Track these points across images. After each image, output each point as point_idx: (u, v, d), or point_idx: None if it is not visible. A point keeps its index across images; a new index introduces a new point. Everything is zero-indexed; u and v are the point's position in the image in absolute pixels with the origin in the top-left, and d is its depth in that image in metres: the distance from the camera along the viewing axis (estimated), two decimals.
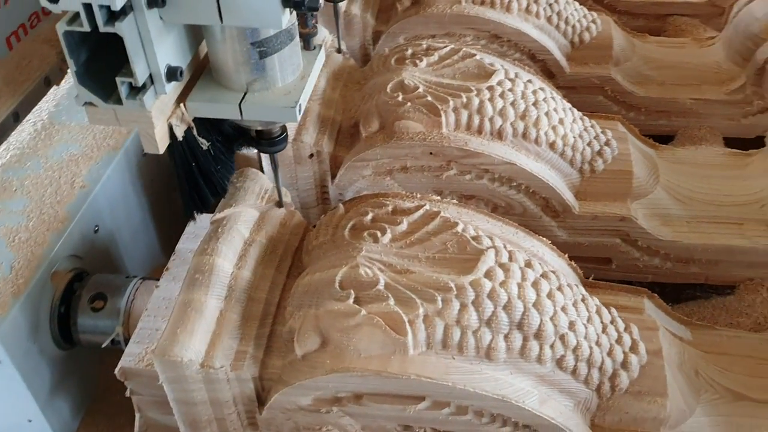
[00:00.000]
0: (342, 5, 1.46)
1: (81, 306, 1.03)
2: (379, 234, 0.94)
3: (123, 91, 0.74)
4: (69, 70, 0.77)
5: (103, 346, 1.01)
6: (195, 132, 0.85)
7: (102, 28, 0.69)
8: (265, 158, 1.13)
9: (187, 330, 0.84)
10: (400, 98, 1.17)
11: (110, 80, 0.74)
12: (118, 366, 0.90)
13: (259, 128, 0.90)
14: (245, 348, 0.87)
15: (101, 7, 0.68)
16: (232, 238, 0.95)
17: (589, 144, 1.23)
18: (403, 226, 0.95)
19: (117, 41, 0.71)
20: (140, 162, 1.27)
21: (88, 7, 0.68)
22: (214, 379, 0.85)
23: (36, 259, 1.01)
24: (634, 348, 0.92)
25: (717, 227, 1.23)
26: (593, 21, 1.57)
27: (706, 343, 1.03)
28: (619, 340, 0.92)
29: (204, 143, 0.87)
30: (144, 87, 0.75)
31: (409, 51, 1.28)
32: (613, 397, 0.90)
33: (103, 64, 0.75)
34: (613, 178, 1.22)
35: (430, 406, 0.85)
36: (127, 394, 0.93)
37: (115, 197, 1.19)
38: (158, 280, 1.03)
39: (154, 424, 0.98)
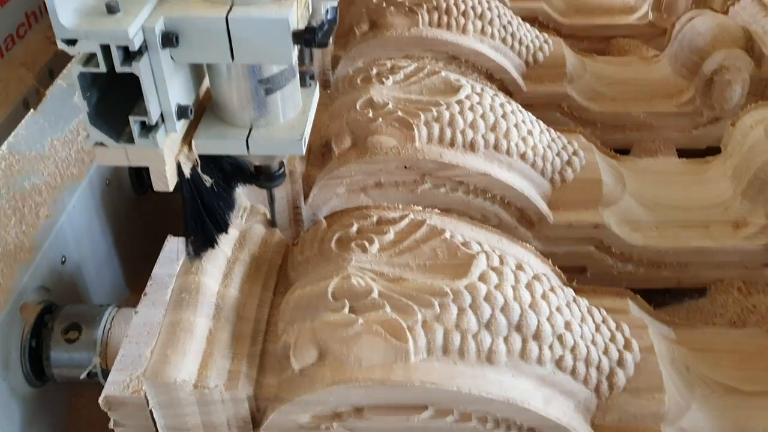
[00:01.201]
0: None
1: (54, 338, 0.98)
2: (366, 244, 0.92)
3: (136, 129, 0.74)
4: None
5: (81, 377, 0.96)
6: (199, 169, 0.85)
7: (119, 69, 0.69)
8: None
9: (177, 350, 0.81)
10: (370, 114, 1.17)
11: (120, 120, 0.75)
12: (102, 395, 0.85)
13: (259, 164, 0.90)
14: (238, 367, 0.84)
15: (119, 47, 0.68)
16: (215, 257, 0.92)
17: (557, 154, 1.25)
18: (390, 236, 0.94)
19: (127, 82, 0.71)
20: (104, 191, 1.23)
21: (105, 48, 0.68)
22: (209, 400, 0.81)
23: (4, 292, 0.96)
24: (627, 346, 0.92)
25: (685, 231, 1.26)
26: (545, 41, 1.61)
27: (691, 341, 1.04)
28: (612, 339, 0.92)
29: (207, 180, 0.87)
30: (156, 125, 0.75)
31: (374, 71, 1.29)
32: (612, 396, 0.90)
33: (113, 104, 0.75)
34: (584, 187, 1.24)
35: (434, 414, 0.83)
36: (111, 426, 0.88)
37: (80, 227, 1.15)
38: (133, 308, 0.98)
39: None
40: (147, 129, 0.74)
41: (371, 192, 1.18)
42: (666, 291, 1.31)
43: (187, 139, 0.81)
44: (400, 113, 1.16)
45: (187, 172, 0.81)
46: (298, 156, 1.20)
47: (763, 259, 1.23)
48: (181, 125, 0.78)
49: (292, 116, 0.84)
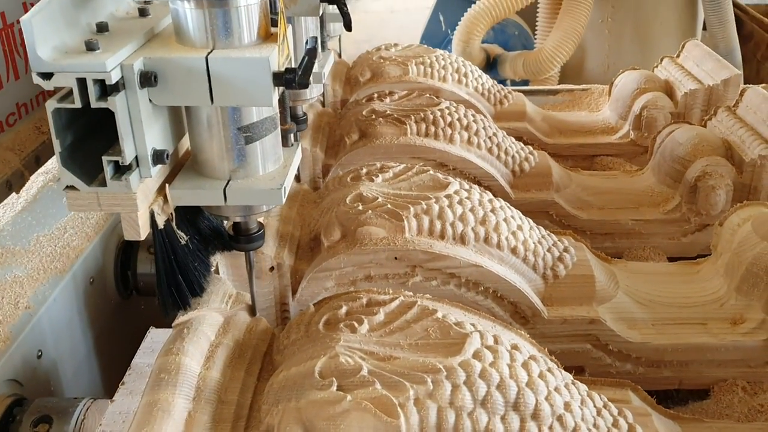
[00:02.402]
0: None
1: None
2: (356, 324, 0.89)
3: (108, 171, 0.74)
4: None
5: None
6: (174, 224, 0.84)
7: (94, 104, 0.70)
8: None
9: (153, 430, 0.75)
10: (360, 207, 1.17)
11: (93, 165, 0.74)
12: None
13: (237, 220, 0.89)
14: None
15: (95, 81, 0.68)
16: (198, 339, 0.89)
17: (548, 250, 1.24)
18: (380, 317, 0.91)
19: (103, 125, 0.71)
20: (87, 289, 1.20)
21: (81, 83, 0.68)
22: None
23: None
24: None
25: (682, 327, 1.23)
26: (530, 153, 1.65)
27: None
28: (615, 424, 0.88)
29: (183, 237, 0.85)
30: (130, 167, 0.74)
31: (364, 170, 1.31)
32: None
33: (88, 150, 0.75)
34: (577, 283, 1.22)
35: None
36: None
37: (60, 323, 1.11)
38: (109, 399, 0.93)
39: None
40: (120, 171, 0.72)
41: (361, 285, 1.16)
42: (668, 396, 1.26)
43: (163, 191, 0.80)
44: (389, 206, 1.17)
45: (160, 223, 0.79)
46: (286, 250, 1.19)
47: (765, 357, 1.20)
48: (157, 172, 0.77)
49: (272, 169, 0.84)
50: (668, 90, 1.99)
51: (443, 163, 1.53)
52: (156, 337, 1.02)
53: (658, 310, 1.26)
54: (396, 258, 1.14)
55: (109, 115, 0.72)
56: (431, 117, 1.56)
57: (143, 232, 0.78)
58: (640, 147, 1.97)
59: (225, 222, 0.97)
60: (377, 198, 1.19)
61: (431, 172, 1.28)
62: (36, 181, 1.33)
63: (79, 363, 1.17)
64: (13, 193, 1.10)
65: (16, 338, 0.99)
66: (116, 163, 0.73)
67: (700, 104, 1.90)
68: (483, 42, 3.35)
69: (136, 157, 0.74)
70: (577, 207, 1.62)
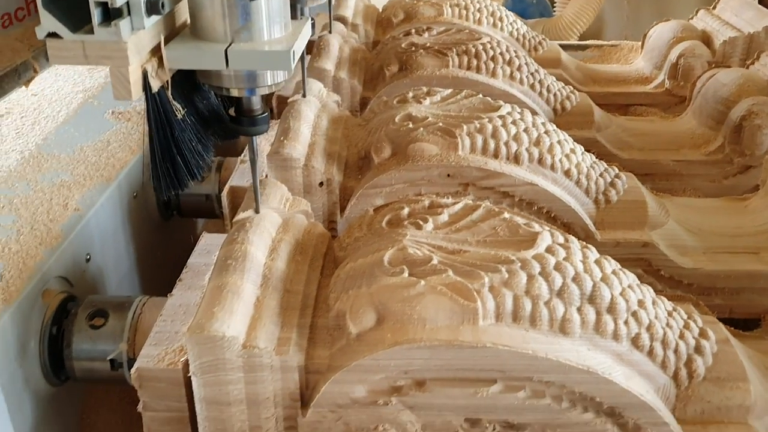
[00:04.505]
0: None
1: (77, 324, 0.90)
2: (420, 222, 0.87)
3: (96, 15, 0.66)
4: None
5: (108, 358, 0.87)
6: (170, 94, 0.77)
7: None
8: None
9: (225, 309, 0.73)
10: (410, 126, 1.15)
11: (80, 13, 0.66)
12: (134, 368, 0.77)
13: (238, 94, 0.81)
14: (288, 335, 0.77)
15: None
16: (261, 232, 0.86)
17: (601, 175, 1.21)
18: (444, 217, 0.89)
19: None
20: (131, 203, 1.18)
21: None
22: (257, 365, 0.73)
23: (27, 270, 0.89)
24: (703, 334, 0.85)
25: (734, 256, 1.21)
26: (572, 92, 1.62)
27: (762, 349, 0.97)
28: (686, 326, 0.86)
29: (179, 110, 0.79)
30: (120, 12, 0.67)
31: (411, 94, 1.28)
32: (692, 386, 0.82)
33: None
34: (629, 208, 1.20)
35: (504, 389, 0.75)
36: (140, 408, 0.79)
37: (106, 230, 1.09)
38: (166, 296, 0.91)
39: None
40: (110, 16, 0.66)
41: None
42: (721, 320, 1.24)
43: (158, 52, 0.73)
44: (441, 124, 1.14)
45: (155, 86, 0.73)
46: (335, 167, 1.17)
47: None
48: (151, 25, 0.70)
49: (279, 35, 0.77)
50: (705, 39, 1.96)
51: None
52: (210, 240, 1.01)
53: (710, 239, 1.24)
54: (449, 175, 1.12)
55: None
56: (473, 50, 1.53)
57: (135, 91, 0.70)
58: (675, 97, 1.94)
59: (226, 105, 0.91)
60: (427, 117, 1.17)
61: (480, 95, 1.25)
62: (75, 97, 1.31)
63: (122, 277, 1.15)
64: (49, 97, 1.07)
65: (66, 237, 0.97)
66: (105, 6, 0.65)
67: (739, 53, 1.87)
68: None
69: (128, 2, 0.67)
70: (617, 147, 1.59)
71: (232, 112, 0.83)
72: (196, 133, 0.86)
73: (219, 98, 0.94)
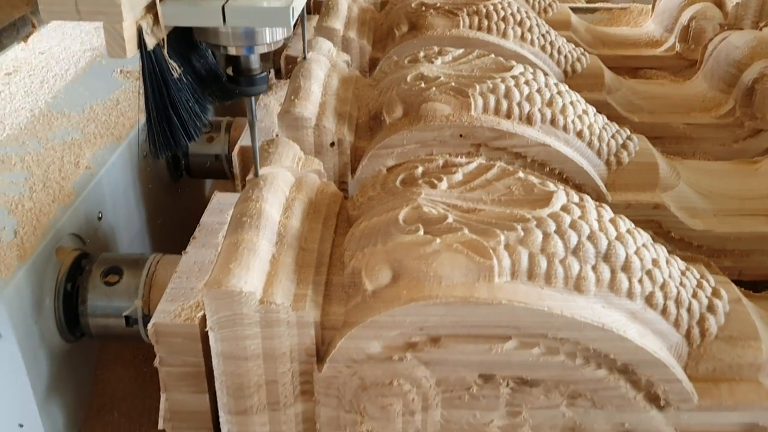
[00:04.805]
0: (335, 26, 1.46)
1: (92, 281, 0.90)
2: (435, 181, 0.87)
3: None
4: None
5: (124, 314, 0.87)
6: (166, 52, 0.76)
7: None
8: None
9: (242, 265, 0.73)
10: (422, 85, 1.14)
11: None
12: (150, 323, 0.77)
13: (236, 53, 0.78)
14: (304, 291, 0.77)
15: None
16: (275, 190, 0.86)
17: (612, 137, 1.21)
18: (459, 176, 0.89)
19: None
20: (141, 163, 1.17)
21: None
22: (273, 320, 0.73)
23: (41, 227, 0.89)
24: (716, 293, 0.86)
25: (744, 219, 1.21)
26: (582, 54, 1.61)
27: None
28: (700, 285, 0.86)
29: (175, 69, 0.78)
30: None
31: (422, 54, 1.27)
32: (704, 344, 0.82)
33: None
34: (640, 170, 1.19)
35: (518, 345, 0.75)
36: (156, 363, 0.80)
37: (117, 189, 1.09)
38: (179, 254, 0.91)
39: (181, 409, 0.83)
40: None
41: None
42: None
43: (153, 9, 0.71)
44: (453, 83, 1.13)
45: (150, 44, 0.71)
46: (346, 127, 1.16)
47: None
48: None
49: None
50: (717, 1, 1.94)
51: None
52: (222, 199, 1.00)
53: (720, 201, 1.23)
54: (461, 135, 1.11)
55: None
56: (484, 11, 1.52)
57: (129, 48, 0.68)
58: (686, 60, 1.92)
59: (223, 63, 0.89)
60: (439, 77, 1.16)
61: (492, 55, 1.24)
62: (83, 56, 1.30)
63: (134, 236, 1.16)
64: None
65: (79, 194, 0.97)
66: None
67: (751, 15, 1.85)
68: None
69: None
70: (628, 110, 1.58)
71: (229, 71, 0.81)
72: (193, 92, 0.84)
73: (216, 57, 0.92)
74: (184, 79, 0.81)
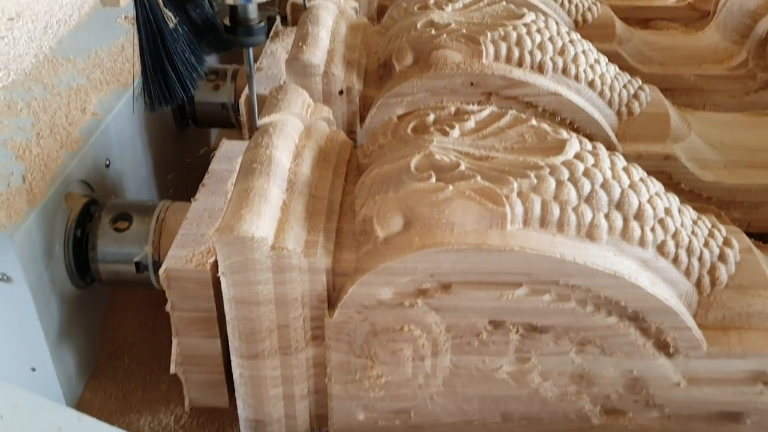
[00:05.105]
0: None
1: (101, 227, 0.90)
2: (447, 129, 0.86)
3: None
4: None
5: (134, 260, 0.88)
6: (161, 1, 0.74)
7: None
8: None
9: (253, 211, 0.73)
10: (433, 32, 1.12)
11: None
12: (162, 269, 0.78)
13: (233, 2, 0.76)
14: (315, 238, 0.77)
15: None
16: (285, 137, 0.85)
17: (624, 87, 1.19)
18: (471, 124, 0.88)
19: None
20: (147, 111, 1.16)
21: None
22: (285, 266, 0.73)
23: (50, 173, 0.88)
24: (727, 243, 0.86)
25: (755, 170, 1.20)
26: (593, 3, 1.58)
27: None
28: (711, 235, 0.86)
29: (171, 18, 0.76)
30: None
31: (431, 0, 1.24)
32: (714, 293, 0.82)
33: None
34: (651, 120, 1.18)
35: (529, 292, 0.75)
36: (168, 308, 0.80)
37: (124, 136, 1.08)
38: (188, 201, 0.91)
39: (192, 353, 0.84)
40: None
41: None
42: None
43: None
44: (464, 31, 1.11)
45: None
46: (355, 75, 1.15)
47: None
48: None
49: None
50: None
51: None
52: (230, 147, 1.00)
53: (731, 152, 1.23)
54: (472, 84, 1.10)
55: None
56: None
57: None
58: (698, 11, 1.89)
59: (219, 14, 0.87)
60: (450, 24, 1.14)
61: (504, 3, 1.22)
62: (86, 1, 1.27)
63: (141, 184, 1.15)
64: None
65: (87, 140, 0.96)
66: None
67: None
68: None
69: None
70: (638, 61, 1.56)
71: (226, 21, 0.78)
72: (189, 43, 0.83)
73: (213, 6, 0.90)
74: (180, 30, 0.80)
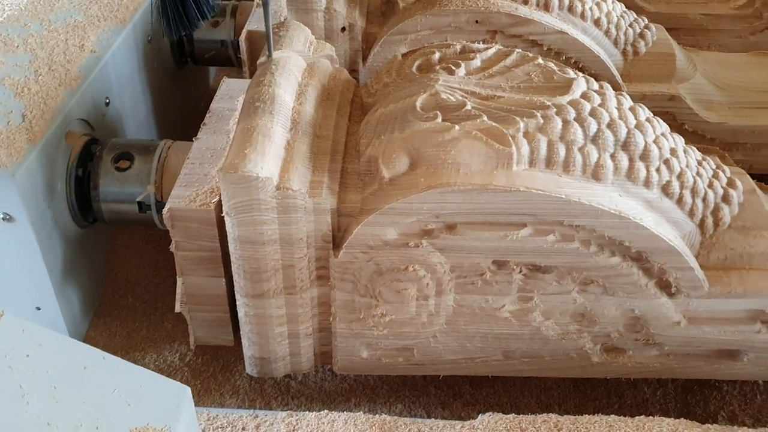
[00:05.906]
0: None
1: (103, 166, 0.89)
2: (452, 67, 0.85)
3: None
4: None
5: (137, 200, 0.87)
6: None
7: None
8: None
9: (257, 150, 0.72)
10: None
11: None
12: (165, 208, 0.77)
13: None
14: (320, 178, 0.76)
15: None
16: (288, 75, 0.84)
17: (630, 25, 1.18)
18: (477, 62, 0.87)
19: None
20: (146, 47, 1.14)
21: None
22: (290, 206, 0.73)
23: (49, 111, 0.87)
24: (731, 184, 0.85)
25: (759, 111, 1.19)
26: None
27: None
28: (715, 176, 0.85)
29: None
30: None
31: None
32: (717, 233, 0.83)
33: None
34: (657, 60, 1.17)
35: (533, 233, 0.75)
36: (172, 248, 0.80)
37: (123, 73, 1.06)
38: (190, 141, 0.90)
39: (197, 293, 0.84)
40: None
41: None
42: None
43: None
44: None
45: None
46: (357, 11, 1.13)
47: None
48: None
49: None
50: None
51: None
52: (231, 85, 0.98)
53: (736, 93, 1.22)
54: (477, 21, 1.08)
55: None
56: None
57: None
58: None
59: None
60: None
61: None
62: None
63: (140, 123, 1.14)
64: None
65: (86, 78, 0.95)
66: None
67: None
68: None
69: None
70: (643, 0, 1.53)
71: None
72: None
73: None
74: None
